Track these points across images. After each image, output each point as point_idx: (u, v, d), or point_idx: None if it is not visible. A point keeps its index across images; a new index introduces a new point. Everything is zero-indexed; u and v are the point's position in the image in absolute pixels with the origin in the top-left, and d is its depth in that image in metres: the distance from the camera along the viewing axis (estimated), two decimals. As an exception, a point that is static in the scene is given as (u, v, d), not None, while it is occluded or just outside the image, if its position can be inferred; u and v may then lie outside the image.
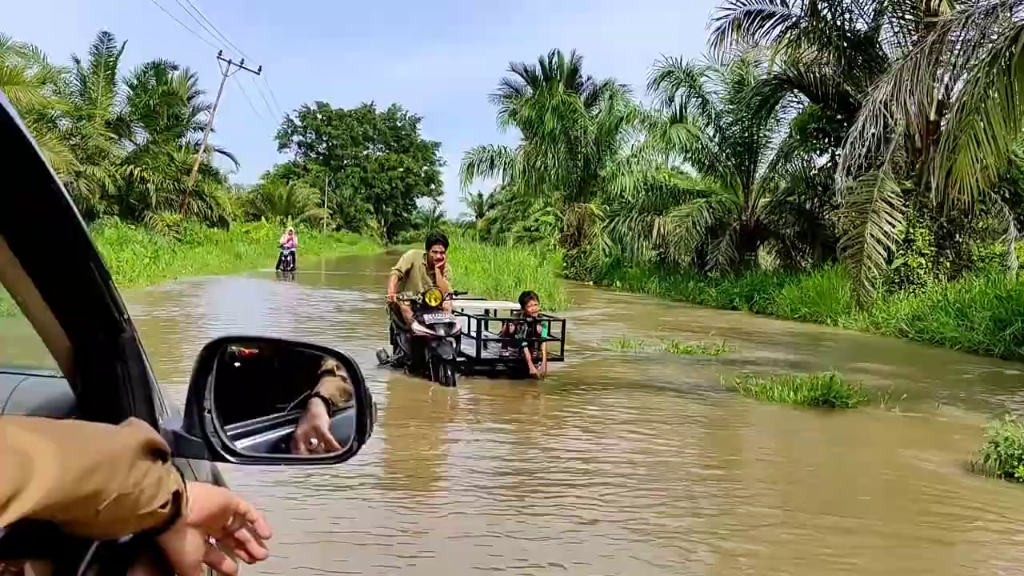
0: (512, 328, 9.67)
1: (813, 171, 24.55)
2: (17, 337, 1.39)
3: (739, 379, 9.58)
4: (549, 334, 9.63)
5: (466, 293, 11.86)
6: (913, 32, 17.30)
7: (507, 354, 9.73)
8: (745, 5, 18.70)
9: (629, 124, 29.51)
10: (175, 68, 40.38)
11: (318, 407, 1.44)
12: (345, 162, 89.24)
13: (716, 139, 26.27)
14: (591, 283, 31.24)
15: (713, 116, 26.45)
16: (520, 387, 9.32)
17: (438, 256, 9.52)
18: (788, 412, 8.41)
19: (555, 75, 54.99)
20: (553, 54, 59.87)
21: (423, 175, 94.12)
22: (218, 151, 49.60)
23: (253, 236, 47.81)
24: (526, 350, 9.38)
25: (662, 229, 26.06)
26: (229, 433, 1.31)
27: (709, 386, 9.72)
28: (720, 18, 19.05)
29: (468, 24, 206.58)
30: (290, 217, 66.23)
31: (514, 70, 60.13)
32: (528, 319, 9.46)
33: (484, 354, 9.67)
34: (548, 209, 43.50)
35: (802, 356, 12.82)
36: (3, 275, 0.90)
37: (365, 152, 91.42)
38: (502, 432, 7.41)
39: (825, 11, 18.82)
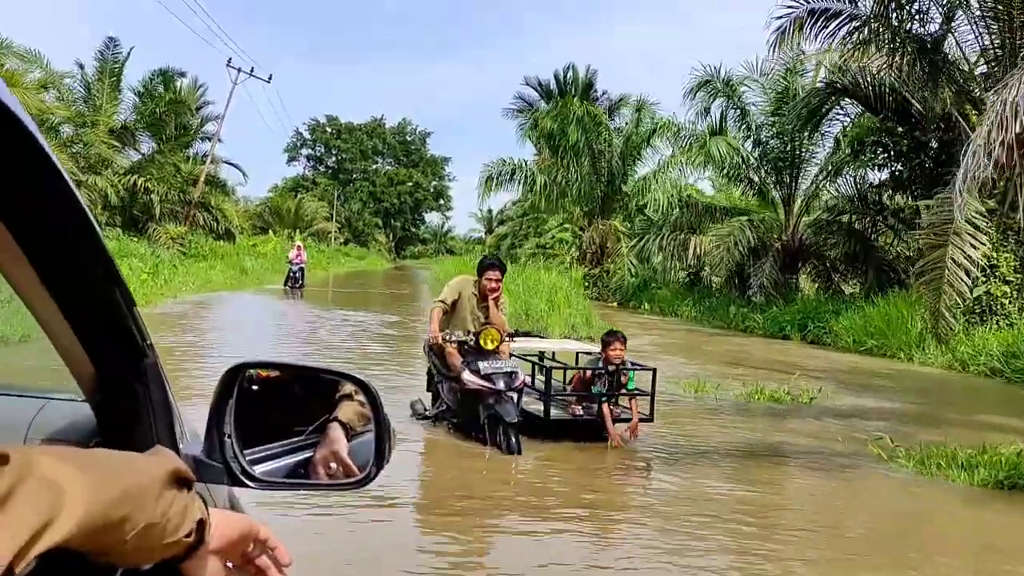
0: (588, 377, 7.47)
1: (865, 188, 22.41)
2: (41, 361, 1.34)
3: (875, 443, 7.44)
4: (636, 386, 7.43)
5: (529, 334, 9.41)
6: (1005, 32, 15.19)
7: (580, 412, 7.57)
8: (809, 3, 16.63)
9: (660, 137, 27.34)
10: (183, 75, 38.59)
11: (336, 432, 1.40)
12: (354, 176, 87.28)
13: (755, 153, 24.15)
14: (615, 304, 29.04)
15: (753, 129, 24.35)
16: (599, 456, 7.17)
17: (493, 285, 7.40)
18: (966, 496, 6.25)
19: (570, 89, 53.13)
20: (568, 68, 58.20)
21: (432, 190, 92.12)
22: (226, 162, 47.77)
23: (260, 250, 45.75)
24: (606, 407, 7.21)
25: (698, 249, 23.91)
26: (248, 458, 1.27)
27: (834, 452, 7.57)
28: (782, 16, 17.02)
29: (476, 40, 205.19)
30: (298, 231, 64.26)
31: (528, 84, 58.49)
32: (610, 367, 7.27)
33: (553, 411, 7.51)
34: (567, 226, 41.34)
35: (909, 404, 10.69)
36: (29, 300, 0.90)
37: (374, 166, 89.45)
38: (585, 523, 5.44)
39: (896, 11, 16.73)
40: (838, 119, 22.90)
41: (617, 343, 7.24)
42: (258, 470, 1.29)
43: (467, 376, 6.91)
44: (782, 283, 22.08)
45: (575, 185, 31.70)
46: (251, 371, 1.36)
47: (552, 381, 7.79)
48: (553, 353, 8.95)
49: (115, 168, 33.20)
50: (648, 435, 7.66)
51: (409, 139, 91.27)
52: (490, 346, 7.03)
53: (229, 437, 1.26)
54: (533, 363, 8.24)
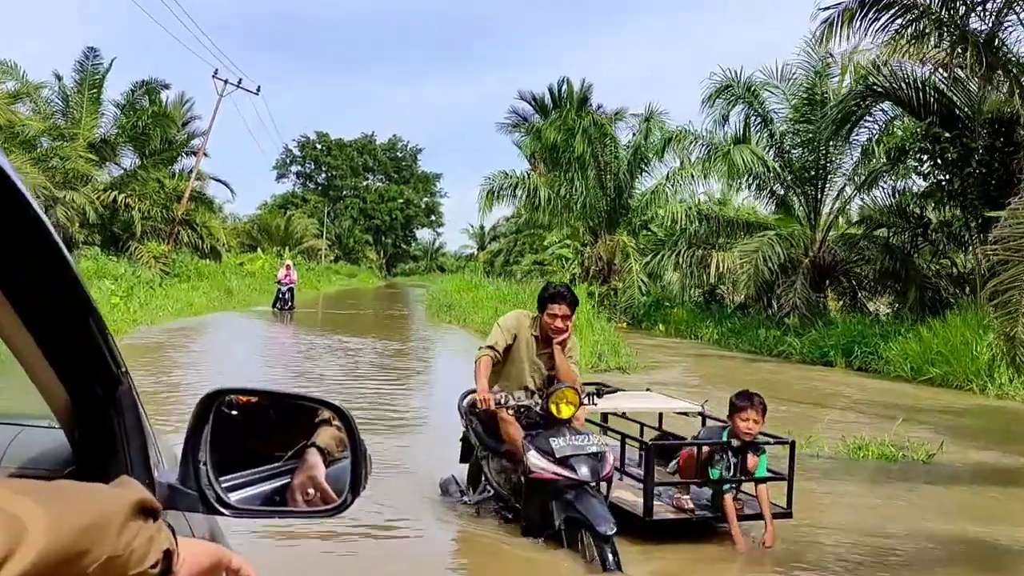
0: (704, 456, 5.17)
1: (905, 199, 20.38)
2: (14, 387, 1.27)
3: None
4: (768, 468, 5.20)
5: (616, 390, 6.91)
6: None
7: (690, 504, 5.23)
8: (860, -7, 14.62)
9: (676, 147, 25.24)
10: (167, 87, 36.29)
11: (314, 457, 1.38)
12: (344, 193, 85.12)
13: (776, 164, 22.08)
14: (625, 324, 26.85)
15: (777, 137, 22.33)
16: (721, 567, 4.98)
17: (560, 324, 5.24)
18: None
19: (564, 103, 51.15)
20: (562, 82, 56.33)
21: (423, 206, 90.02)
22: (213, 179, 45.44)
23: (248, 268, 43.53)
24: (728, 499, 5.01)
25: (720, 266, 21.81)
26: (225, 484, 1.25)
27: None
28: (829, 8, 14.97)
29: (466, 56, 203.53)
30: (287, 248, 62.15)
31: (522, 98, 56.54)
32: (736, 443, 5.07)
33: (656, 507, 5.14)
34: (567, 242, 39.22)
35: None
36: (0, 328, 0.88)
37: (365, 183, 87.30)
38: None
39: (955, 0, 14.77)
40: (868, 126, 20.90)
41: (753, 411, 4.98)
42: (234, 497, 1.26)
43: (534, 460, 4.71)
44: (813, 303, 19.98)
45: (580, 199, 29.66)
46: (229, 396, 1.33)
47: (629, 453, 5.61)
48: (623, 413, 6.61)
49: (94, 184, 31.06)
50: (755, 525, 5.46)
51: (400, 155, 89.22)
52: (565, 414, 4.86)
53: (204, 464, 1.22)
54: (623, 437, 5.87)
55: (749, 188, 23.52)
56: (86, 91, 32.60)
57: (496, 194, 29.70)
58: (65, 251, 0.85)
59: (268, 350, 15.90)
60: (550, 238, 43.98)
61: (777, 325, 19.94)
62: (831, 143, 21.26)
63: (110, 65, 33.19)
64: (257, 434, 1.44)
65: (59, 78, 32.35)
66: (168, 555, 0.84)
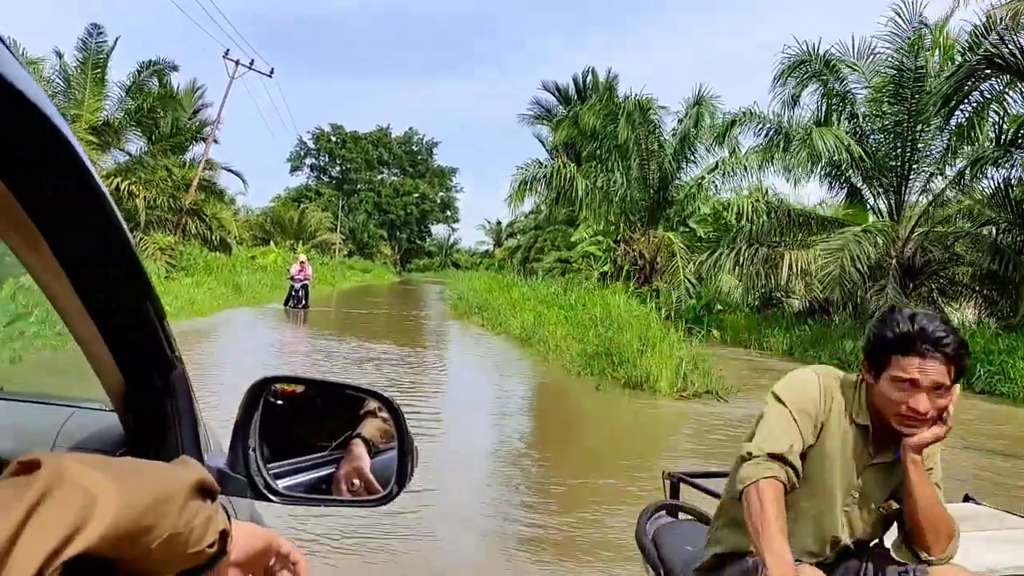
0: None
1: (1016, 191, 17.29)
2: (70, 370, 1.36)
3: None
4: None
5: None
6: None
7: None
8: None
9: (740, 130, 22.15)
10: (175, 69, 33.32)
11: (360, 448, 1.37)
12: (359, 186, 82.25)
13: (854, 150, 18.98)
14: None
15: (859, 119, 19.28)
16: None
17: (922, 404, 2.20)
18: None
19: (589, 94, 48.03)
20: (587, 72, 53.03)
21: (439, 201, 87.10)
22: (225, 169, 42.43)
23: (260, 262, 40.58)
24: None
25: (793, 266, 18.77)
26: (271, 472, 1.26)
27: None
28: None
29: (481, 53, 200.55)
30: (301, 242, 59.35)
31: (546, 88, 53.28)
32: None
33: None
34: (599, 238, 36.18)
35: None
36: (63, 311, 0.90)
37: (380, 177, 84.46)
38: None
39: None
40: (965, 107, 17.82)
41: None
42: (280, 484, 1.26)
43: None
44: (909, 310, 16.93)
45: (620, 191, 26.71)
46: (276, 385, 1.33)
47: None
48: None
49: (97, 170, 28.02)
50: None
51: (415, 149, 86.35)
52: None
53: (253, 451, 1.23)
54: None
55: (822, 179, 20.42)
56: (89, 71, 29.76)
57: (529, 185, 26.74)
58: (128, 233, 0.85)
59: (279, 361, 12.96)
60: (578, 234, 40.93)
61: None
62: (920, 126, 18.24)
63: (115, 44, 30.29)
64: (302, 424, 1.42)
65: (60, 55, 29.53)
66: (224, 536, 0.84)
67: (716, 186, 26.54)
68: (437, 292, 46.92)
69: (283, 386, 1.38)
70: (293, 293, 23.10)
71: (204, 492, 0.82)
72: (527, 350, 15.72)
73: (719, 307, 23.66)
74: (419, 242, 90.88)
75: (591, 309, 16.25)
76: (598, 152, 27.34)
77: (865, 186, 19.50)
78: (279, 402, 1.33)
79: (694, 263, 23.10)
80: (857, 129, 19.25)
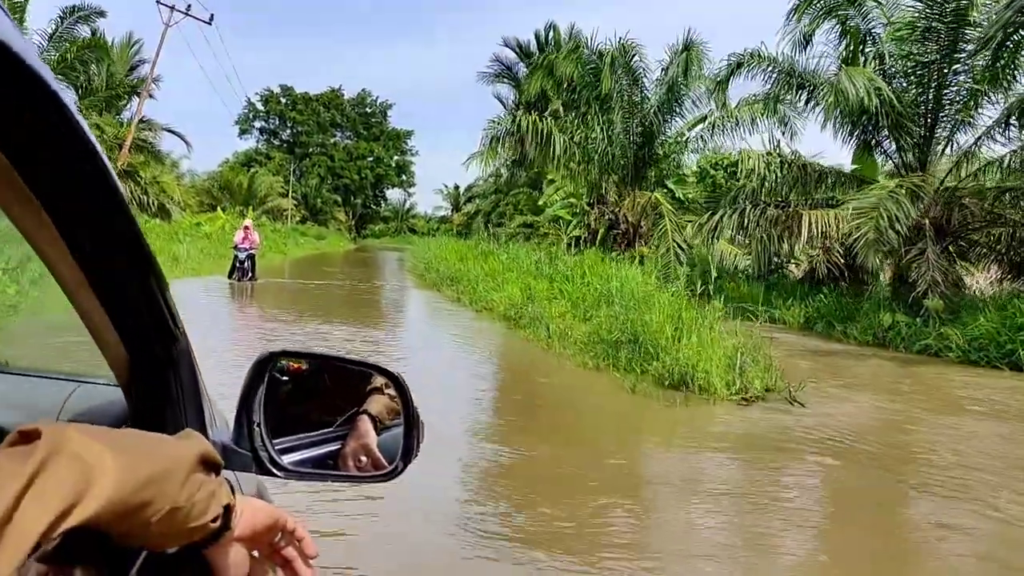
0: None
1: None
2: (72, 345, 1.33)
3: None
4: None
5: None
6: None
7: None
8: None
9: (748, 73, 19.31)
10: (102, 15, 29.43)
11: (366, 424, 1.34)
12: (311, 150, 78.00)
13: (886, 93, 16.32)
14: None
15: (885, 59, 16.63)
16: None
17: None
18: None
19: (552, 51, 44.92)
20: (549, 28, 49.94)
21: (394, 165, 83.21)
22: (166, 130, 38.51)
23: (205, 229, 36.96)
24: None
25: (814, 228, 16.16)
26: (277, 447, 1.22)
27: None
28: None
29: (436, 14, 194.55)
30: (251, 208, 55.56)
31: (507, 45, 50.11)
32: None
33: None
34: (572, 200, 33.29)
35: None
36: (64, 283, 0.88)
37: (332, 140, 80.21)
38: None
39: None
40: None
41: None
42: (286, 460, 1.22)
43: None
44: (954, 278, 14.52)
45: (601, 147, 23.90)
46: (283, 363, 1.31)
47: None
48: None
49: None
50: None
51: (369, 111, 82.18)
52: None
53: (258, 426, 1.20)
54: None
55: (837, 130, 17.77)
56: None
57: (502, 141, 23.73)
58: (128, 204, 0.83)
59: (210, 361, 9.91)
60: (546, 197, 37.99)
61: (908, 308, 14.38)
62: (953, 68, 15.68)
63: (33, -14, 26.42)
64: (308, 399, 1.40)
65: (-35, -3, 25.51)
66: (227, 511, 0.82)
67: (705, 141, 23.80)
68: (397, 259, 43.81)
69: (288, 363, 1.33)
70: (238, 264, 19.91)
71: (208, 466, 0.79)
72: (520, 333, 12.88)
73: (718, 275, 21.03)
74: (374, 207, 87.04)
75: (592, 281, 13.45)
76: (576, 104, 24.46)
77: (889, 137, 16.87)
78: (284, 379, 1.29)
79: (691, 226, 20.38)
80: (881, 72, 16.59)
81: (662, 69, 23.87)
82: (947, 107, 16.41)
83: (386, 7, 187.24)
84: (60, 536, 0.60)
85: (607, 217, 31.78)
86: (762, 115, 20.75)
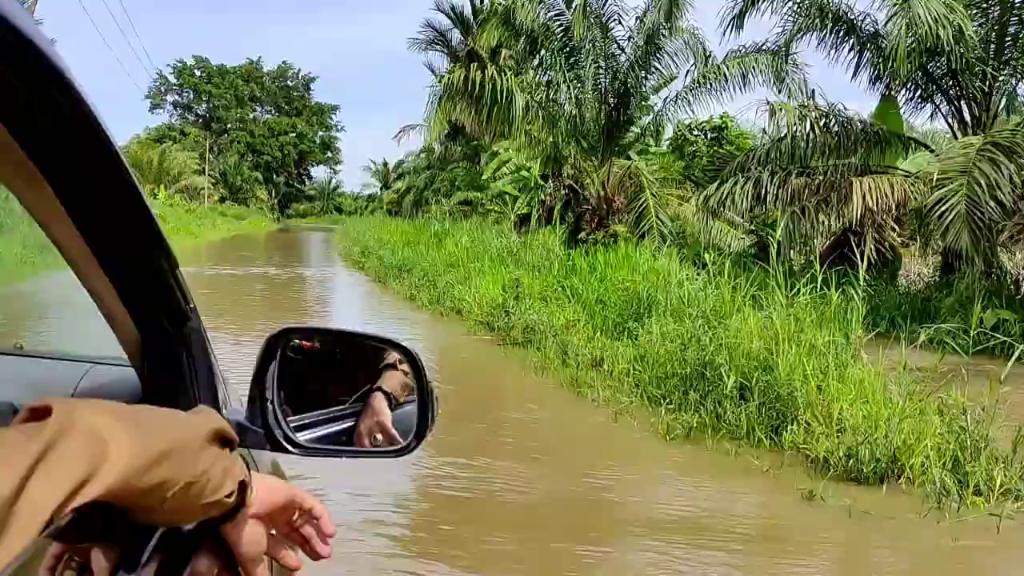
0: None
1: None
2: (85, 326, 1.19)
3: None
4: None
5: None
6: None
7: None
8: None
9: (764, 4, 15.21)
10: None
11: (380, 401, 1.30)
12: (229, 125, 71.69)
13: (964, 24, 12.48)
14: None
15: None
16: None
17: None
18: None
19: (488, 17, 40.34)
20: (485, -11, 45.61)
21: (318, 141, 77.30)
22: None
23: None
24: None
25: (871, 199, 12.31)
26: (291, 425, 1.18)
27: None
28: None
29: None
30: (163, 187, 49.70)
31: (439, 9, 45.34)
32: None
33: None
34: (524, 172, 28.96)
35: None
36: (74, 264, 0.87)
37: (252, 115, 73.91)
38: None
39: None
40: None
41: None
42: (301, 437, 1.19)
43: None
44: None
45: (568, 108, 19.75)
46: (296, 340, 1.26)
47: None
48: None
49: None
50: None
51: (290, 85, 76.01)
52: None
53: (271, 403, 1.16)
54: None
55: (876, 80, 13.98)
56: None
57: (451, 97, 19.21)
58: (137, 182, 0.82)
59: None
60: (489, 171, 33.59)
61: (1011, 302, 10.69)
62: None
63: None
64: (321, 376, 1.36)
65: None
66: (243, 487, 0.80)
67: (689, 102, 19.76)
68: (324, 241, 38.82)
69: (301, 341, 1.29)
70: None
71: (222, 442, 0.77)
72: (516, 355, 8.67)
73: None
74: (298, 186, 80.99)
75: (615, 276, 9.31)
76: (534, 58, 20.16)
77: (953, 83, 13.13)
78: (297, 356, 1.25)
79: (696, 197, 16.40)
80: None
81: (637, 18, 19.73)
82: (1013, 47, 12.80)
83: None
84: (73, 512, 0.57)
85: (563, 192, 27.69)
86: (769, 64, 16.96)
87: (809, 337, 5.99)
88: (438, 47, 44.58)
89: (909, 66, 12.56)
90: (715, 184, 14.96)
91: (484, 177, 34.04)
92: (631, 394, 6.63)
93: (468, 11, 43.36)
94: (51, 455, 0.56)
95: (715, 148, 21.50)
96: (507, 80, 19.19)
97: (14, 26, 0.52)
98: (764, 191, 14.22)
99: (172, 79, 71.16)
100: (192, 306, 1.07)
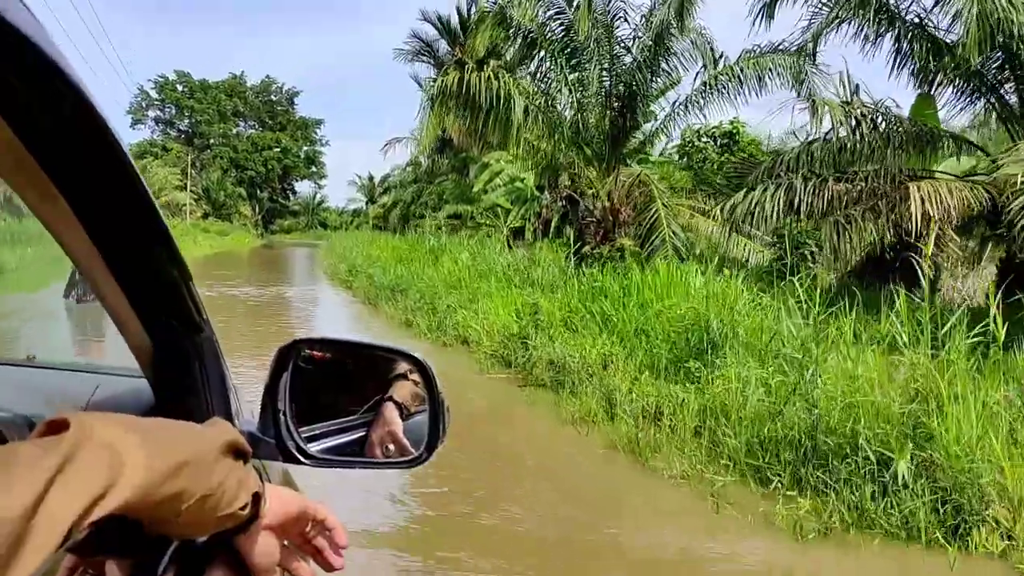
0: None
1: None
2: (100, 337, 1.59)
3: None
4: None
5: None
6: None
7: None
8: None
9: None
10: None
11: (391, 411, 1.28)
12: (212, 141, 69.58)
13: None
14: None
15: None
16: None
17: None
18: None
19: (474, 27, 38.82)
20: (472, 1, 44.07)
21: (303, 156, 75.28)
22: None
23: None
24: None
25: (930, 206, 10.68)
26: (303, 435, 1.16)
27: None
28: None
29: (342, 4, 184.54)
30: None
31: (426, 19, 43.89)
32: None
33: None
34: (518, 183, 27.23)
35: None
36: (88, 275, 0.86)
37: (235, 130, 71.81)
38: None
39: None
40: None
41: None
42: (312, 448, 1.17)
43: None
44: None
45: (568, 113, 18.12)
46: (306, 351, 1.23)
47: None
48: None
49: None
50: None
51: (274, 99, 73.95)
52: None
53: (283, 414, 1.14)
54: None
55: (919, 72, 12.40)
56: None
57: (444, 102, 17.48)
58: (150, 193, 0.81)
59: None
60: (481, 183, 31.90)
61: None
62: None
63: None
64: (332, 387, 1.33)
65: None
66: (256, 498, 0.79)
67: (701, 105, 18.14)
68: (308, 258, 36.93)
69: (312, 352, 1.25)
70: (77, 277, 13.29)
71: (236, 454, 0.76)
72: (541, 400, 6.91)
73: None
74: (283, 201, 78.84)
75: (671, 300, 7.60)
76: (540, 59, 18.45)
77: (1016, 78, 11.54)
78: (308, 366, 1.22)
79: (715, 208, 14.74)
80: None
81: (643, 16, 18.10)
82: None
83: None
84: (90, 526, 0.57)
85: (561, 203, 26.09)
86: (789, 65, 15.46)
87: (971, 392, 4.28)
88: (425, 58, 43.11)
89: (977, 55, 10.91)
90: (742, 192, 13.29)
91: (475, 189, 32.32)
92: (713, 462, 4.89)
93: (455, 21, 41.80)
94: (69, 469, 0.55)
95: (726, 155, 19.88)
96: (506, 82, 17.54)
97: (29, 39, 0.52)
98: (797, 199, 12.60)
99: (154, 94, 69.09)
100: (205, 317, 1.05)
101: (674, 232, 16.69)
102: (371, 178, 67.95)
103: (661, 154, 23.99)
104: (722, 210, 13.85)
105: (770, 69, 16.72)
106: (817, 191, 12.49)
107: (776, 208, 12.76)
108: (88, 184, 0.72)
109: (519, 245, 24.47)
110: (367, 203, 68.41)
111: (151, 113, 70.38)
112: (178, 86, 69.98)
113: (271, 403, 1.13)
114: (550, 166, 25.26)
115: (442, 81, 17.25)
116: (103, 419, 0.62)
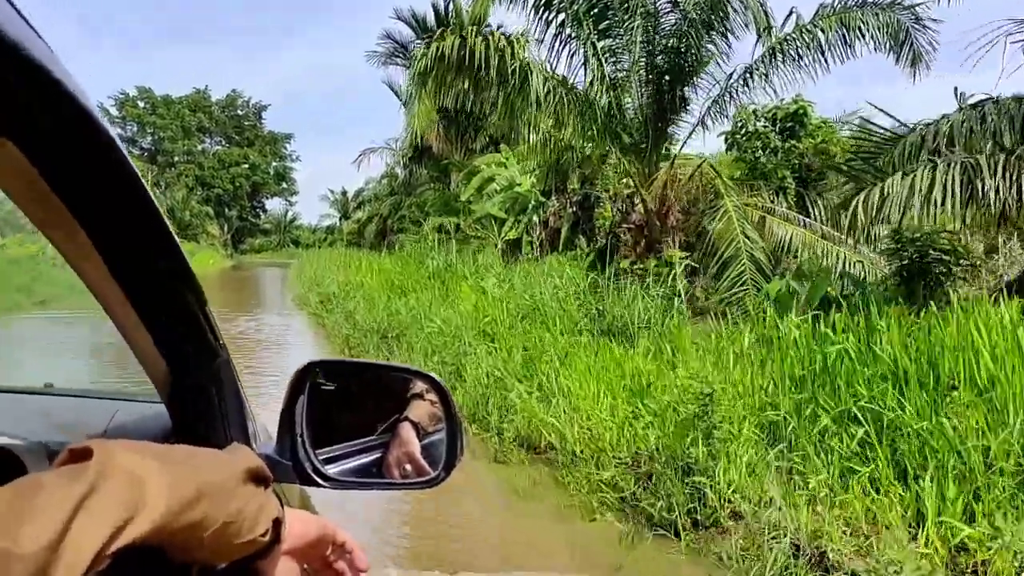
0: None
1: None
2: (116, 364, 1.88)
3: None
4: None
5: None
6: None
7: None
8: None
9: None
10: None
11: (408, 432, 1.23)
12: (176, 158, 64.18)
13: None
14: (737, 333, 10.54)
15: None
16: None
17: None
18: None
19: (452, 26, 34.19)
20: (449, -2, 39.49)
21: (272, 172, 70.02)
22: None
23: (12, 253, 25.08)
24: None
25: None
26: (320, 457, 1.13)
27: None
28: None
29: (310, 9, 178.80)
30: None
31: (400, 18, 39.20)
32: None
33: None
34: (517, 189, 22.50)
35: None
36: (104, 300, 0.84)
37: (201, 146, 66.45)
38: None
39: None
40: None
41: None
42: (330, 469, 1.13)
43: None
44: None
45: (595, 89, 13.49)
46: (320, 372, 1.18)
47: None
48: None
49: None
50: None
51: (241, 114, 68.62)
52: None
53: (300, 436, 1.10)
54: None
55: None
56: None
57: (440, 75, 12.75)
58: (167, 221, 0.80)
59: None
60: (469, 191, 27.17)
61: None
62: None
63: None
64: (348, 408, 1.28)
65: None
66: (277, 524, 0.77)
67: (766, 77, 13.59)
68: (279, 281, 32.06)
69: (329, 371, 1.21)
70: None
71: (257, 479, 0.75)
72: None
73: (850, 293, 10.87)
74: (252, 219, 73.35)
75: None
76: (559, 25, 13.85)
77: None
78: (325, 387, 1.18)
79: (839, 202, 10.23)
80: None
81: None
82: None
83: (264, 13, 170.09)
84: (113, 555, 0.55)
85: (572, 210, 21.59)
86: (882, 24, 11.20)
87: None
88: (399, 59, 38.39)
89: None
90: (898, 175, 8.73)
91: (464, 198, 27.56)
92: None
93: (431, 19, 37.18)
94: (93, 498, 0.55)
95: (791, 143, 15.42)
96: (519, 56, 12.92)
97: (47, 72, 0.52)
98: (983, 183, 8.15)
99: (114, 112, 63.49)
100: (222, 343, 1.03)
101: (748, 238, 12.16)
102: (344, 193, 63.04)
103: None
104: (828, 208, 9.28)
105: (860, 27, 12.38)
106: (1012, 169, 8.06)
107: (956, 194, 8.31)
108: (104, 211, 0.70)
109: (515, 260, 19.93)
110: (341, 219, 63.51)
111: (113, 132, 64.91)
112: (139, 102, 64.57)
113: (288, 425, 1.09)
114: (557, 165, 20.62)
115: (437, 47, 12.53)
116: (125, 446, 0.61)
